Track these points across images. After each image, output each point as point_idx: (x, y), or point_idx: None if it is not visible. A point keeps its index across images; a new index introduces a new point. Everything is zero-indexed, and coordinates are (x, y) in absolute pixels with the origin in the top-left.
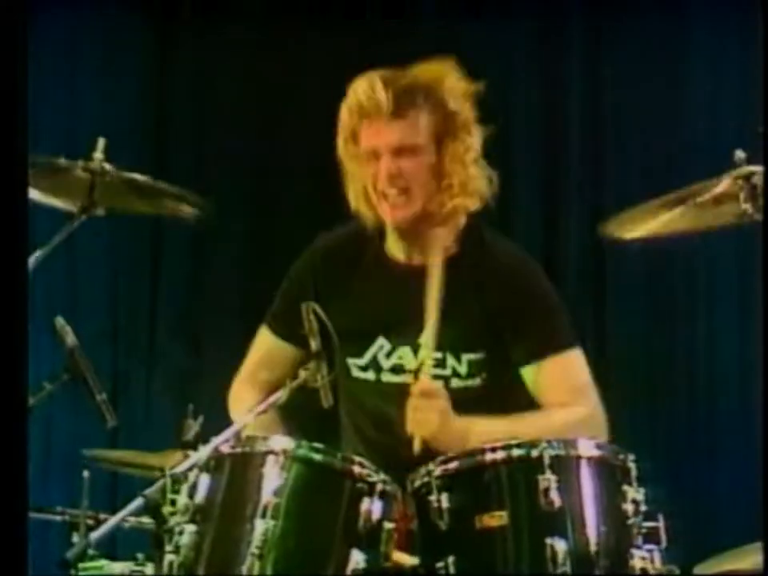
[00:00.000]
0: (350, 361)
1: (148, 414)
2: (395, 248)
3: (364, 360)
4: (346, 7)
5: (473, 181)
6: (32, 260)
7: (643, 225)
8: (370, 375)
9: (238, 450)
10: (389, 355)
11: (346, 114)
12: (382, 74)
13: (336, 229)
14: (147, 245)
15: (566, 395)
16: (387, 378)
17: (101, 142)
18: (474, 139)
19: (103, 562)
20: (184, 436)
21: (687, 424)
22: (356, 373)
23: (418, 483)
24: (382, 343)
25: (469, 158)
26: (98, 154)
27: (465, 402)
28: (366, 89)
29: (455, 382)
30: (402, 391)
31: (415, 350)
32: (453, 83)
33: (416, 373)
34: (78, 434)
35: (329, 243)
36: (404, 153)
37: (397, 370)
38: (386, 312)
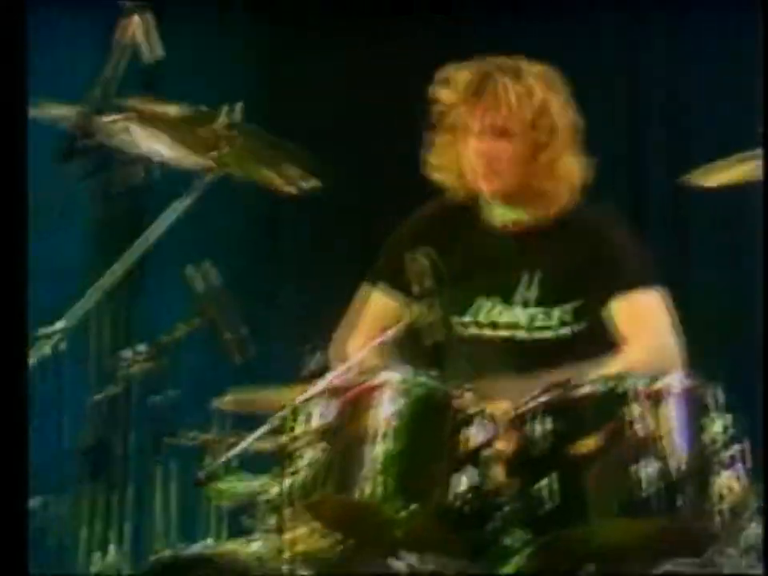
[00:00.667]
0: (454, 319)
1: (271, 352)
2: (489, 215)
3: (466, 318)
4: (392, 3)
5: (564, 165)
6: (168, 215)
7: (723, 174)
8: (472, 330)
9: (354, 381)
10: (488, 313)
11: (443, 95)
12: (480, 62)
13: (428, 203)
14: (270, 198)
15: (641, 331)
16: (488, 333)
17: (238, 107)
18: (565, 126)
19: (233, 482)
20: (304, 370)
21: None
22: (459, 329)
23: (516, 412)
24: (481, 303)
25: (560, 143)
26: (235, 118)
27: (560, 351)
28: (464, 75)
29: (549, 333)
30: (500, 343)
31: (511, 307)
32: (542, 72)
33: (529, 321)
34: (211, 367)
35: (426, 213)
36: (497, 135)
37: (496, 326)
38: (484, 274)
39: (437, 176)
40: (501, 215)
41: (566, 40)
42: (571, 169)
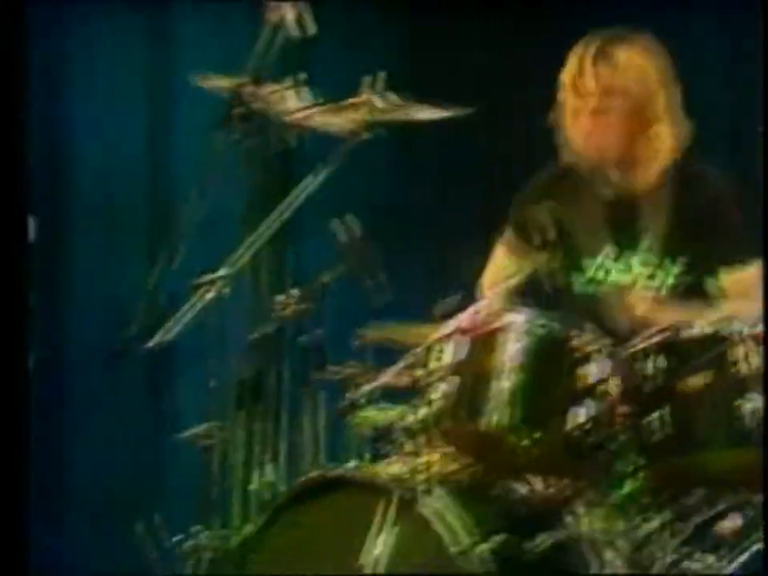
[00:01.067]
0: (574, 275)
1: (407, 295)
2: (611, 175)
3: (587, 275)
4: None
5: (668, 136)
6: (316, 174)
7: None
8: (591, 288)
9: (482, 322)
10: (609, 269)
11: (564, 76)
12: (591, 44)
13: (552, 164)
14: (406, 158)
15: (739, 303)
16: (608, 288)
17: (380, 77)
18: (663, 94)
19: (373, 411)
20: (437, 312)
21: None
22: (578, 287)
23: (630, 351)
24: (602, 259)
25: (659, 112)
26: (378, 85)
27: (683, 294)
28: (578, 56)
29: (671, 280)
30: (616, 296)
31: (632, 260)
32: (639, 45)
33: (635, 280)
34: (353, 309)
35: (549, 174)
36: (604, 111)
37: (612, 280)
38: (606, 231)
39: (561, 137)
40: (613, 179)
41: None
42: (673, 134)
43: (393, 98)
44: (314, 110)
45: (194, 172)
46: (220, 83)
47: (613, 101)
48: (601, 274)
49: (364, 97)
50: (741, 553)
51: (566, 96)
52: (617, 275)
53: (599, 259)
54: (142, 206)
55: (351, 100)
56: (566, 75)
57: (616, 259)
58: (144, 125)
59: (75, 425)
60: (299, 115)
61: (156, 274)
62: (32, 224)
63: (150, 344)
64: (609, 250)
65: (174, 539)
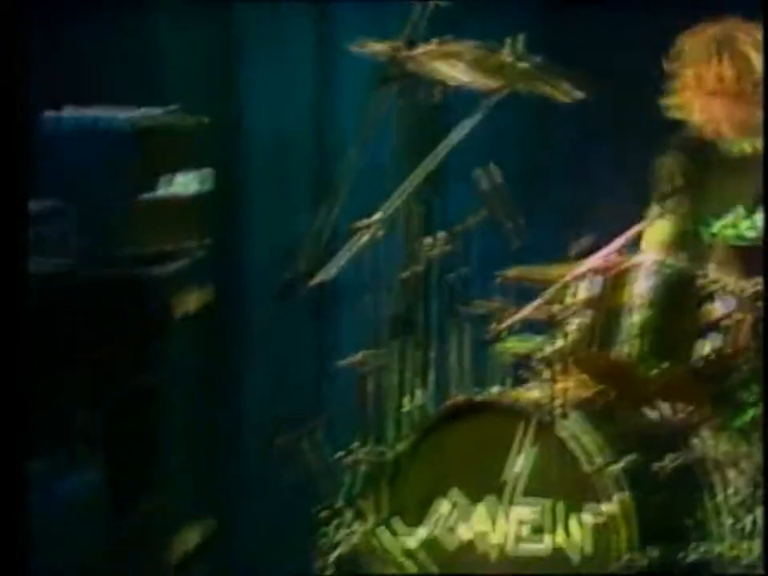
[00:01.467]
0: (702, 228)
1: (543, 237)
2: (727, 144)
3: (714, 229)
4: None
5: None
6: (461, 127)
7: None
8: (717, 242)
9: (615, 261)
10: (737, 225)
11: (679, 60)
12: (705, 30)
13: (681, 133)
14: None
15: None
16: (734, 242)
17: (520, 38)
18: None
19: (515, 342)
20: (575, 251)
21: None
22: (705, 238)
23: (752, 289)
24: (732, 217)
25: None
26: (518, 47)
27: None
28: (692, 41)
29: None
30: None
31: (756, 219)
32: (753, 33)
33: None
34: (495, 250)
35: (677, 143)
36: (716, 95)
37: (745, 234)
38: (721, 191)
39: (678, 114)
40: (734, 145)
41: None
42: None
43: (531, 60)
44: (460, 69)
45: (354, 128)
46: (377, 48)
47: (737, 81)
48: (729, 231)
49: (504, 57)
50: None
51: (690, 78)
52: (744, 231)
53: (729, 217)
54: (308, 159)
55: (493, 58)
56: (689, 60)
57: (745, 217)
58: (310, 88)
59: (251, 353)
60: (447, 74)
61: (320, 220)
62: (209, 175)
63: (315, 281)
64: (739, 208)
65: (336, 455)
